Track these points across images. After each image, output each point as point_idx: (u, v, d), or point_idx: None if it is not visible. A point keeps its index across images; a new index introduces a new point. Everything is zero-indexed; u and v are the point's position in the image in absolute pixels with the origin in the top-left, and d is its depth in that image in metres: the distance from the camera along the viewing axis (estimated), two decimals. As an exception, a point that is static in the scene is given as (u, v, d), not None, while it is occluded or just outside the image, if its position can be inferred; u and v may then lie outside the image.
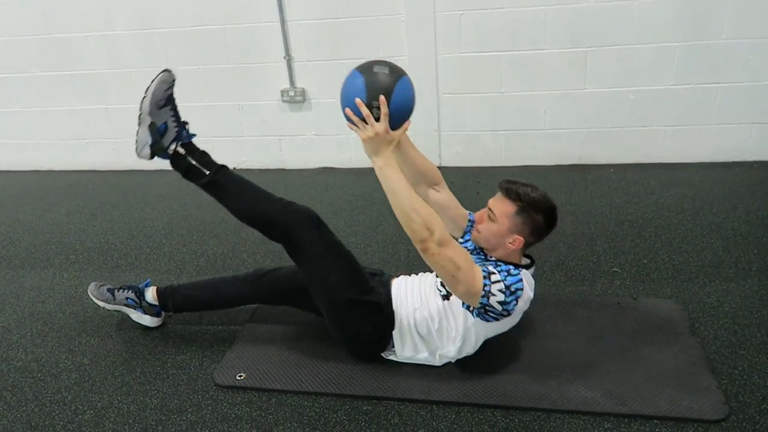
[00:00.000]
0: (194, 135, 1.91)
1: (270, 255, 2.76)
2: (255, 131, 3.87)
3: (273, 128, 3.83)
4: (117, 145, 4.08)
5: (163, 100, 1.83)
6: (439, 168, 3.81)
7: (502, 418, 1.68)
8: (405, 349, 1.85)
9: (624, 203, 3.02)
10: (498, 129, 3.57)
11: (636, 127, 3.42)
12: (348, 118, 1.58)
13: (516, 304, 1.67)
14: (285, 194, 3.63)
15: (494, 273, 1.65)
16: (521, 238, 1.72)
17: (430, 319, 1.79)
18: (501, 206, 1.74)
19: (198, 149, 1.91)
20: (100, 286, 2.20)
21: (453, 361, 1.86)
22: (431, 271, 1.92)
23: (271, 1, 3.43)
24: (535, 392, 1.74)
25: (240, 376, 1.90)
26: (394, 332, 1.84)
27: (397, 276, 1.99)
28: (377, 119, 1.54)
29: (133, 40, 3.71)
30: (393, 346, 1.87)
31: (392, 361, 1.90)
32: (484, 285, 1.62)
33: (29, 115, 4.09)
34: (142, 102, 1.83)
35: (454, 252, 1.59)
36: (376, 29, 3.42)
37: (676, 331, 1.97)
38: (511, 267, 1.71)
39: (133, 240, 3.03)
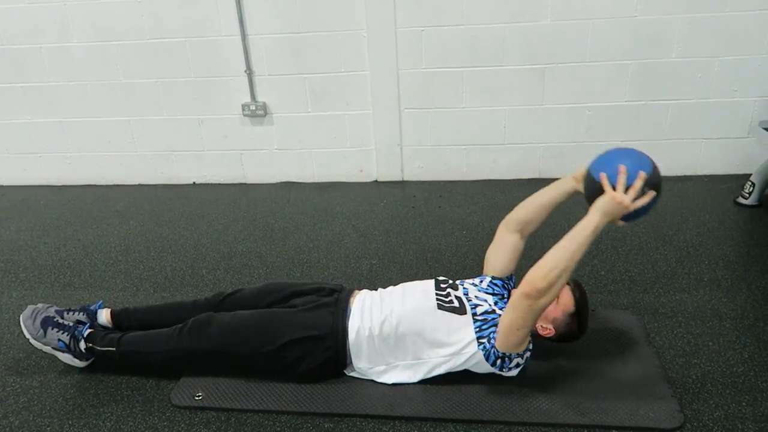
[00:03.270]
0: (86, 325, 2.01)
1: (231, 271, 2.71)
2: (216, 145, 3.82)
3: (234, 142, 3.79)
4: (72, 159, 3.97)
5: (41, 330, 1.96)
6: (402, 182, 3.87)
7: (465, 432, 1.68)
8: (362, 360, 1.84)
9: (582, 216, 3.07)
10: (459, 144, 3.62)
11: (592, 142, 3.51)
12: (612, 174, 1.62)
13: (516, 372, 1.78)
14: (246, 209, 3.61)
15: (530, 342, 1.77)
16: (553, 332, 1.82)
17: (409, 326, 1.78)
18: (565, 298, 1.81)
19: (99, 334, 1.99)
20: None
21: (410, 379, 1.85)
22: (389, 285, 1.92)
23: (232, 14, 3.41)
24: (496, 405, 1.75)
25: (198, 396, 1.85)
26: (349, 343, 1.82)
27: (360, 290, 1.99)
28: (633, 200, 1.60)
29: (89, 53, 3.63)
30: (351, 361, 1.85)
31: (354, 377, 1.88)
32: (525, 350, 1.75)
33: (-22, 128, 3.95)
34: (33, 345, 1.98)
35: (534, 316, 1.65)
36: (337, 44, 3.43)
37: (633, 341, 2.02)
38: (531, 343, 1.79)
39: (87, 257, 2.94)
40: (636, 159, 1.65)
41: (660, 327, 2.11)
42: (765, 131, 3.17)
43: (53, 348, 1.96)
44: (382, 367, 1.85)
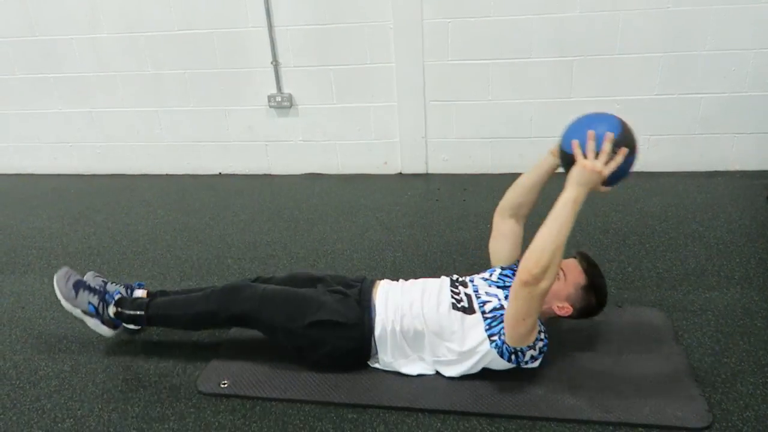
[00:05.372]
0: (117, 291, 2.07)
1: (256, 261, 2.74)
2: (241, 136, 3.85)
3: (259, 134, 3.82)
4: (101, 149, 4.04)
5: (73, 291, 2.00)
6: (426, 175, 3.86)
7: (488, 426, 1.68)
8: (387, 354, 1.85)
9: (609, 211, 3.04)
10: (485, 137, 3.59)
11: (621, 136, 3.45)
12: (582, 142, 1.59)
13: (537, 363, 1.76)
14: (271, 200, 3.64)
15: (542, 332, 1.74)
16: (570, 310, 1.78)
17: (426, 324, 1.79)
18: (574, 272, 1.78)
19: (127, 299, 2.04)
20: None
21: (434, 370, 1.85)
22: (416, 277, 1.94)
23: (259, 6, 3.43)
24: (520, 400, 1.74)
25: (224, 384, 1.88)
26: (375, 336, 1.83)
27: (381, 280, 1.99)
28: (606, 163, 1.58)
29: (118, 44, 3.68)
30: (377, 353, 1.86)
31: (377, 369, 1.89)
32: (537, 340, 1.71)
33: (11, 118, 4.04)
34: (64, 307, 2.02)
35: (538, 302, 1.61)
36: (363, 36, 3.42)
37: (661, 339, 1.99)
38: (544, 329, 1.77)
39: (116, 245, 2.99)
40: (602, 121, 1.60)
41: (689, 325, 2.07)
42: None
43: (83, 311, 2.01)
44: (403, 360, 1.85)
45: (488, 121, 3.54)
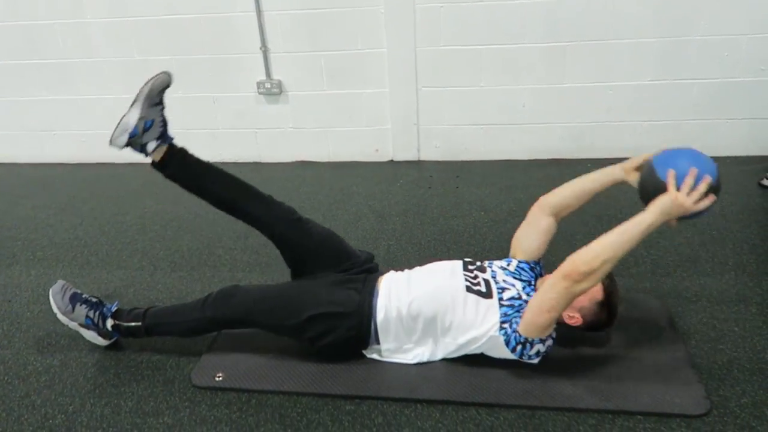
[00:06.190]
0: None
1: (248, 251, 2.70)
2: (230, 124, 3.79)
3: (249, 121, 3.76)
4: (87, 137, 3.96)
5: (70, 305, 1.95)
6: (418, 162, 3.82)
7: (487, 416, 1.67)
8: (389, 341, 1.83)
9: (602, 198, 3.00)
10: (477, 123, 3.56)
11: (614, 122, 3.45)
12: (681, 175, 1.59)
13: (537, 360, 1.77)
14: (261, 189, 3.55)
15: (553, 333, 1.76)
16: (580, 321, 1.78)
17: (437, 306, 1.77)
18: (594, 289, 1.76)
19: (124, 311, 1.98)
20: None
21: (436, 356, 1.84)
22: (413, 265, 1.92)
23: (247, -10, 3.36)
24: (519, 389, 1.73)
25: (218, 377, 1.85)
26: (378, 322, 1.81)
27: (386, 271, 1.97)
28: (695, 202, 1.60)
29: (103, 29, 3.60)
30: (377, 342, 1.84)
31: (375, 359, 1.87)
32: (548, 337, 1.73)
33: (-7, 106, 3.95)
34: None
35: (568, 300, 1.63)
36: (354, 21, 3.37)
37: (657, 326, 1.99)
38: (554, 334, 1.77)
39: (104, 235, 2.94)
40: (702, 162, 1.62)
41: (684, 311, 2.07)
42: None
43: (79, 324, 1.96)
44: (410, 345, 1.84)
45: (481, 108, 3.51)
